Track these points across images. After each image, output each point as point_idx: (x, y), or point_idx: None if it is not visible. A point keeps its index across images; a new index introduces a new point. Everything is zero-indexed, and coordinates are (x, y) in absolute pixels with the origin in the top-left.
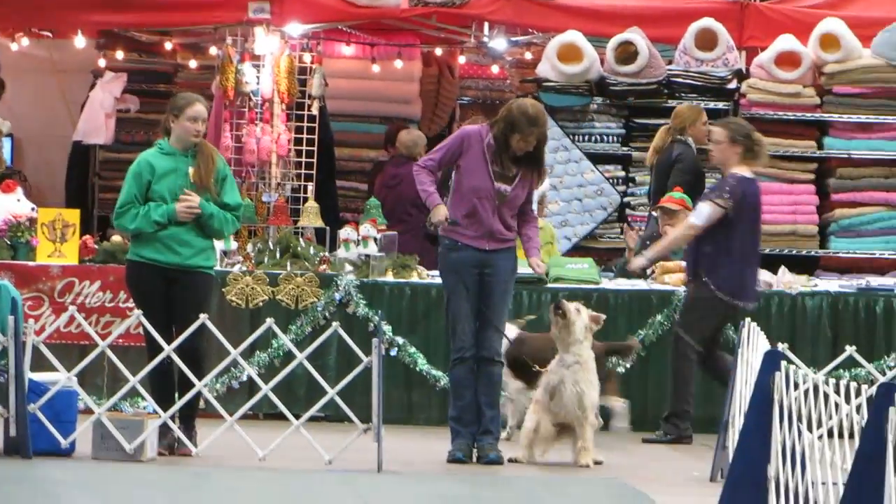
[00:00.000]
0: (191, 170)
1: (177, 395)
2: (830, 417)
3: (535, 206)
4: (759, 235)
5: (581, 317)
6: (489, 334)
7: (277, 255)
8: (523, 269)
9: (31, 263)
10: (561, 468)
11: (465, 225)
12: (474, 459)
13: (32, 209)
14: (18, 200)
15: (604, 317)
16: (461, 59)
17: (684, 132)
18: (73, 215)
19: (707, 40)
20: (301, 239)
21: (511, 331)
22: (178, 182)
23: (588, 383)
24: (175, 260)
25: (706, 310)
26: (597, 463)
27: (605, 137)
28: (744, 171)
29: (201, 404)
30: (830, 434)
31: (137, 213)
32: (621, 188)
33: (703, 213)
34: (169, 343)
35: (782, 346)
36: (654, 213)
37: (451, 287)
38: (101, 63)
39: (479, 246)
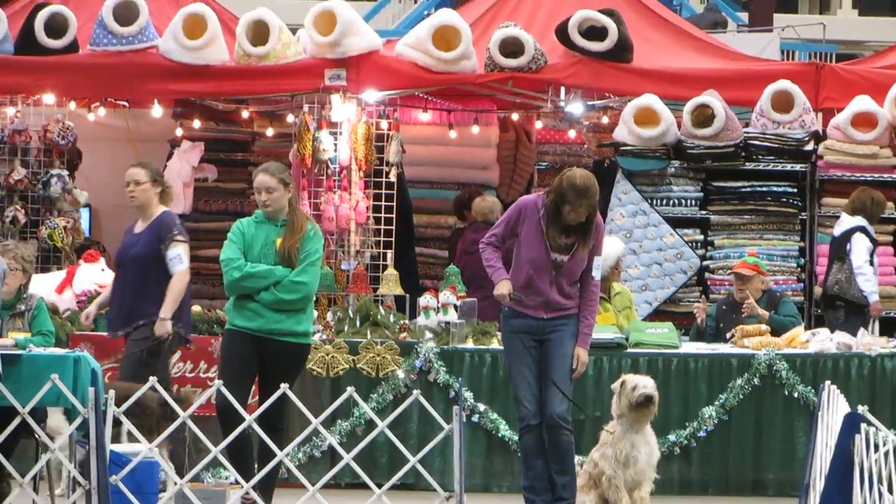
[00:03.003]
0: (278, 240)
1: (256, 465)
2: None
3: (595, 274)
4: None
5: None
6: (552, 400)
7: (357, 323)
8: (601, 334)
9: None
10: None
11: (523, 294)
12: None
13: None
14: (102, 270)
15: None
16: (538, 124)
17: None
18: None
19: (783, 102)
20: (381, 307)
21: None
22: (264, 251)
23: (655, 443)
24: (264, 325)
25: None
26: None
27: (684, 201)
28: (164, 208)
29: (283, 473)
30: None
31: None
32: (700, 251)
33: (185, 257)
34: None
35: (862, 409)
36: None
37: (510, 355)
38: (178, 132)
39: (536, 315)
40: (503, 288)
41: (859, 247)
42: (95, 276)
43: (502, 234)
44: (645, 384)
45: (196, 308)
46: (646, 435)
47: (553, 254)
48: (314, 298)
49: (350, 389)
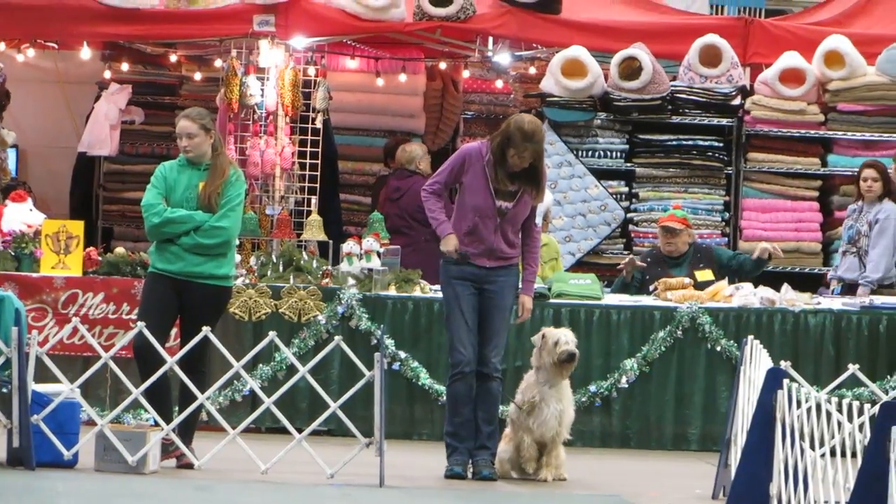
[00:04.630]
0: (201, 184)
1: (176, 407)
2: (833, 436)
3: (538, 221)
4: None
5: None
6: (488, 350)
7: (280, 268)
8: None
9: (34, 275)
10: (558, 485)
11: (467, 242)
12: (469, 475)
13: (45, 218)
14: (31, 210)
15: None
16: (465, 74)
17: None
18: (78, 227)
19: (711, 56)
20: (304, 252)
21: None
22: (186, 194)
23: (569, 401)
24: (184, 268)
25: None
26: (560, 479)
27: (609, 153)
28: None
29: (203, 417)
30: (833, 453)
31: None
32: (625, 203)
33: None
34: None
35: (785, 364)
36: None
37: (450, 302)
38: (107, 75)
39: (479, 263)
40: (450, 244)
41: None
42: (24, 215)
43: (445, 182)
44: (567, 339)
45: (120, 250)
46: (560, 391)
47: (498, 201)
48: (237, 243)
49: (272, 334)
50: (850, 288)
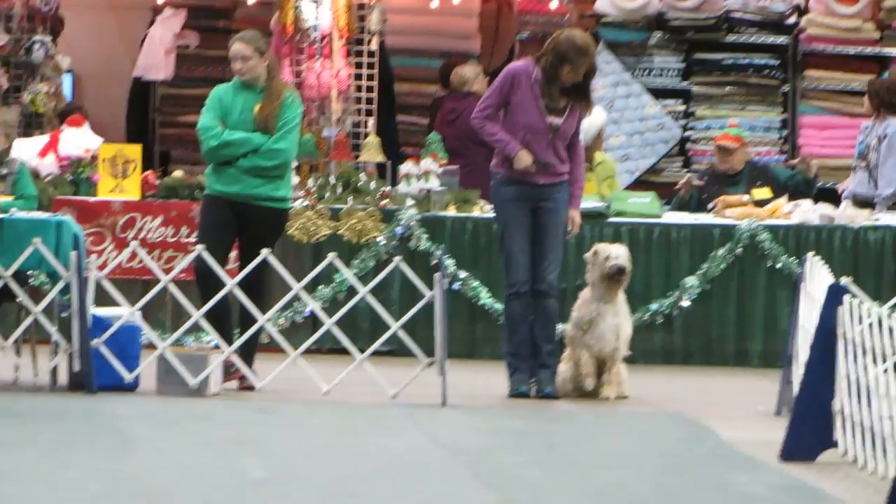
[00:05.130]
0: (256, 107)
1: (237, 330)
2: (895, 351)
3: (582, 138)
4: None
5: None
6: (544, 268)
7: (339, 189)
8: (583, 203)
9: (92, 199)
10: (621, 402)
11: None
12: (532, 393)
13: (102, 142)
14: (88, 134)
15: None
16: None
17: None
18: (135, 151)
19: None
20: (362, 174)
21: None
22: (242, 117)
23: (625, 316)
24: (242, 190)
25: None
26: (622, 397)
27: (665, 72)
28: None
29: (264, 339)
30: None
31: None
32: (682, 122)
33: None
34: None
35: (846, 280)
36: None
37: (504, 221)
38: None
39: (534, 180)
40: (527, 158)
41: None
42: (83, 139)
43: (496, 104)
44: (617, 254)
45: (178, 173)
46: (615, 306)
47: (549, 117)
48: (294, 165)
49: (332, 255)
50: (861, 204)
